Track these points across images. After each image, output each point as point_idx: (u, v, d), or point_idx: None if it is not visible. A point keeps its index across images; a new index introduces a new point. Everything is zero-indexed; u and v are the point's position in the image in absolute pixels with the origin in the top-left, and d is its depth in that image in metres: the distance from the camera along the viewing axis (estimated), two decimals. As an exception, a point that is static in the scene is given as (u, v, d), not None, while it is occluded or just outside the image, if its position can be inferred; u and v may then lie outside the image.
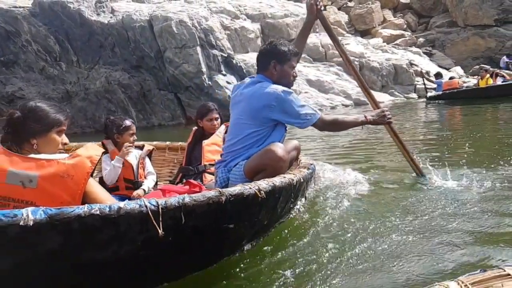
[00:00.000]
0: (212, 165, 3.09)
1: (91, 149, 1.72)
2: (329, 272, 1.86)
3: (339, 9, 24.12)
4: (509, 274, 0.90)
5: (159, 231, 1.47)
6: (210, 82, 14.30)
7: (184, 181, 3.22)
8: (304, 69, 15.57)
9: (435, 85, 13.80)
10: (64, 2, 15.25)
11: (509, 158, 3.72)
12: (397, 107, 12.51)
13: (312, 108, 2.58)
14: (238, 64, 14.95)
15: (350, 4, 24.42)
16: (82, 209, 1.38)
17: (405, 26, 22.70)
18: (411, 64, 15.89)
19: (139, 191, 3.07)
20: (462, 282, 0.89)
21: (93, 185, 1.69)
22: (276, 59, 2.60)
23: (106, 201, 1.63)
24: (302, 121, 2.52)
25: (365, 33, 22.33)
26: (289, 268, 1.92)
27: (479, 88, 12.81)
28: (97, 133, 14.25)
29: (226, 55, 14.82)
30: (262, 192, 1.84)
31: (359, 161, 4.56)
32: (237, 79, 14.92)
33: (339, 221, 2.47)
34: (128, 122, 3.23)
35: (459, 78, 16.49)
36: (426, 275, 1.76)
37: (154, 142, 4.04)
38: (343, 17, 22.96)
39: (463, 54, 20.16)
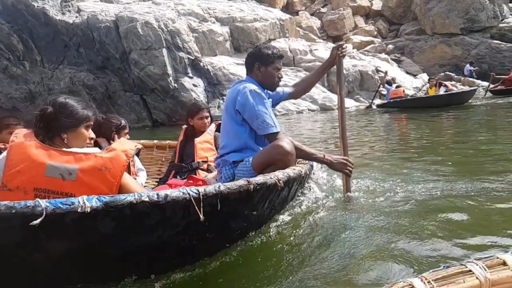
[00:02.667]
0: (205, 162, 3.24)
1: (126, 144, 1.81)
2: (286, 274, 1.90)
3: (312, 14, 24.34)
4: (470, 271, 0.92)
5: (201, 216, 1.59)
6: (176, 85, 14.20)
7: (184, 176, 3.29)
8: (272, 73, 15.60)
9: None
10: (28, 1, 14.94)
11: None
12: (360, 114, 12.67)
13: (274, 122, 2.66)
14: (206, 67, 14.90)
15: (323, 10, 24.67)
16: (133, 197, 1.49)
17: (375, 33, 23.04)
18: (377, 70, 16.11)
19: None
20: (426, 279, 0.90)
21: (127, 178, 1.78)
22: (260, 61, 2.78)
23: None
24: (257, 126, 2.66)
25: (337, 39, 22.53)
26: (273, 268, 1.97)
27: (421, 97, 13.11)
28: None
29: (193, 58, 14.75)
30: (281, 181, 2.06)
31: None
32: (204, 82, 14.87)
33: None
34: (124, 121, 3.26)
35: (424, 85, 16.82)
36: (390, 272, 1.80)
37: (142, 141, 4.07)
38: (315, 23, 23.17)
39: (431, 61, 20.58)
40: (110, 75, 15.05)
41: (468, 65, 18.42)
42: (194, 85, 14.50)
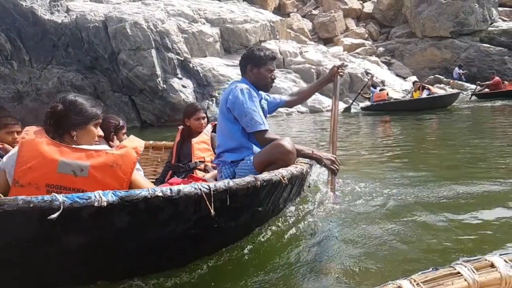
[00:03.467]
0: (202, 162, 3.29)
1: (135, 141, 1.85)
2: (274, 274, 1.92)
3: (304, 16, 24.39)
4: (459, 272, 0.93)
5: (211, 211, 1.64)
6: (165, 86, 14.13)
7: (182, 176, 3.30)
8: (261, 75, 15.60)
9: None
10: (16, 0, 14.81)
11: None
12: (342, 116, 12.71)
13: (262, 120, 2.71)
14: (195, 68, 14.84)
15: (314, 12, 24.73)
16: (147, 191, 1.53)
17: (366, 35, 23.12)
18: (367, 73, 16.16)
19: None
20: (415, 281, 0.90)
21: (137, 174, 1.83)
22: (252, 63, 2.85)
23: None
24: (245, 123, 2.71)
25: (328, 41, 22.62)
26: (268, 270, 1.99)
27: (404, 100, 13.11)
28: (48, 135, 13.84)
29: (182, 59, 14.69)
30: (285, 178, 2.14)
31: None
32: (194, 83, 14.82)
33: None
34: (122, 122, 3.24)
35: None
36: (379, 275, 1.81)
37: None
38: (307, 25, 23.21)
39: (421, 64, 20.69)
40: (98, 75, 14.94)
41: (457, 68, 18.54)
42: (183, 86, 14.44)
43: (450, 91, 15.15)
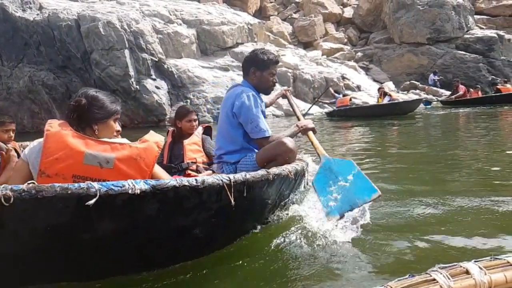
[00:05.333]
0: (194, 162, 3.35)
1: (156, 136, 1.93)
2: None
3: (284, 20, 24.41)
4: (434, 279, 0.95)
5: (232, 200, 1.76)
6: (138, 86, 13.97)
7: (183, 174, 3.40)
8: (238, 78, 15.51)
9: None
10: (-14, -4, 14.50)
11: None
12: (320, 120, 12.70)
13: (266, 127, 2.80)
14: (170, 69, 14.71)
15: (295, 15, 24.77)
16: (175, 181, 1.62)
17: (345, 40, 23.24)
18: (343, 78, 16.21)
19: None
20: None
21: (157, 167, 1.92)
22: (256, 66, 2.89)
23: None
24: (250, 130, 2.79)
25: (308, 45, 22.67)
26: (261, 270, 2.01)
27: (364, 106, 13.18)
28: (19, 135, 13.50)
29: (156, 60, 14.54)
30: (291, 173, 2.29)
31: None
32: (168, 85, 14.68)
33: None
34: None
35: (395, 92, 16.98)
36: (355, 282, 1.81)
37: None
38: (287, 28, 23.22)
39: (398, 69, 20.84)
40: (71, 75, 14.70)
41: (432, 75, 18.74)
42: (157, 87, 14.29)
43: (410, 98, 15.21)
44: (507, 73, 20.01)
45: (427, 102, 15.05)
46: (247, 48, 16.77)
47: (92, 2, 15.86)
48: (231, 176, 1.80)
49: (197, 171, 3.35)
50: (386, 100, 12.23)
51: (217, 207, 1.82)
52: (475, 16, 22.40)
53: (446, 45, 20.53)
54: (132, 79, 13.85)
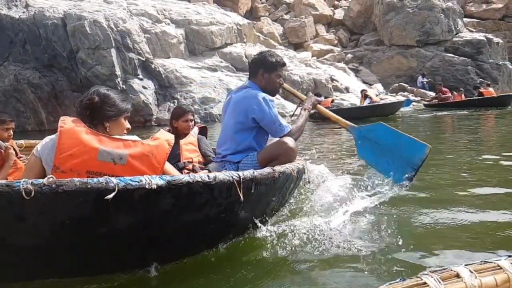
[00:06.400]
0: (190, 162, 3.39)
1: (167, 134, 2.01)
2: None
3: (275, 20, 24.40)
4: (425, 283, 0.95)
5: (241, 197, 1.83)
6: (124, 86, 13.86)
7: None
8: (226, 78, 15.47)
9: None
10: (-29, -7, 14.33)
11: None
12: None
13: (285, 123, 2.90)
14: (157, 69, 14.62)
15: (286, 16, 24.78)
16: (189, 177, 1.67)
17: (336, 41, 23.28)
18: (331, 79, 16.21)
19: None
20: None
21: (167, 164, 1.98)
22: (264, 68, 2.92)
23: None
24: (274, 130, 2.87)
25: (298, 46, 22.68)
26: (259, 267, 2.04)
27: (344, 108, 13.05)
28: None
29: (144, 59, 14.44)
30: (294, 171, 2.37)
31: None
32: (155, 84, 14.58)
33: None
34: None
35: (378, 95, 17.01)
36: (347, 284, 1.80)
37: None
38: (277, 29, 23.22)
39: (388, 71, 20.91)
40: (57, 74, 14.56)
41: (420, 77, 18.82)
42: (144, 87, 14.20)
43: (391, 100, 15.18)
44: (495, 76, 20.17)
45: (408, 102, 15.04)
46: (236, 49, 16.74)
47: (79, 1, 15.71)
48: (240, 173, 1.87)
49: (194, 170, 3.35)
50: (366, 102, 12.21)
51: (227, 202, 1.88)
52: (465, 19, 22.58)
53: (435, 47, 20.64)
54: (119, 79, 13.74)
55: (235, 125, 2.90)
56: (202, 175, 1.72)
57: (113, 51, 13.74)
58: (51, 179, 1.47)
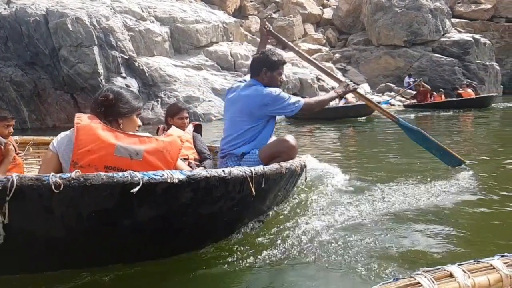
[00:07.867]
0: (186, 159, 3.42)
1: (178, 131, 2.09)
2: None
3: (263, 19, 24.29)
4: (419, 283, 0.96)
5: (253, 191, 1.92)
6: (107, 84, 13.70)
7: None
8: (211, 77, 15.37)
9: None
10: (-48, -11, 14.12)
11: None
12: (278, 122, 12.62)
13: (296, 98, 3.13)
14: (141, 67, 14.50)
15: (274, 15, 24.68)
16: (206, 172, 1.75)
17: (324, 41, 23.23)
18: (318, 79, 16.16)
19: None
20: None
21: (179, 160, 2.07)
22: (267, 67, 3.09)
23: None
24: (292, 109, 3.02)
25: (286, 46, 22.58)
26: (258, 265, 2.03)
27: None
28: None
29: (127, 57, 14.31)
30: (298, 168, 2.51)
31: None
32: (139, 83, 14.45)
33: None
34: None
35: (365, 94, 16.99)
36: (340, 284, 1.82)
37: None
38: (266, 28, 23.10)
39: (375, 71, 20.91)
40: (39, 72, 14.39)
41: (407, 77, 18.78)
42: (127, 86, 14.03)
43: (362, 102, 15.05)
44: (482, 76, 20.25)
45: (385, 103, 15.02)
46: (221, 47, 16.63)
47: (63, -3, 15.54)
48: (252, 168, 1.95)
49: (190, 167, 3.33)
50: (342, 103, 12.11)
51: (239, 196, 1.96)
52: (454, 19, 22.64)
53: (422, 47, 20.67)
54: (101, 77, 13.61)
55: (244, 121, 3.03)
56: (218, 170, 1.79)
57: (96, 49, 13.61)
58: (78, 173, 1.51)
